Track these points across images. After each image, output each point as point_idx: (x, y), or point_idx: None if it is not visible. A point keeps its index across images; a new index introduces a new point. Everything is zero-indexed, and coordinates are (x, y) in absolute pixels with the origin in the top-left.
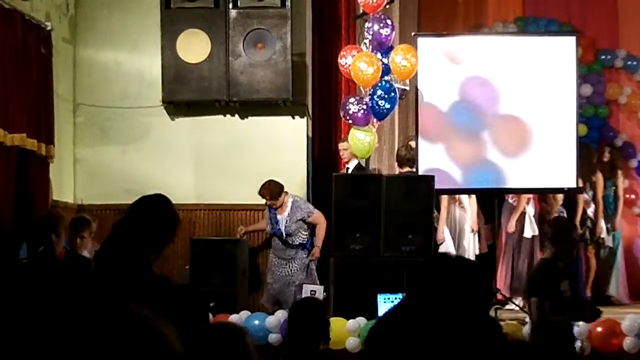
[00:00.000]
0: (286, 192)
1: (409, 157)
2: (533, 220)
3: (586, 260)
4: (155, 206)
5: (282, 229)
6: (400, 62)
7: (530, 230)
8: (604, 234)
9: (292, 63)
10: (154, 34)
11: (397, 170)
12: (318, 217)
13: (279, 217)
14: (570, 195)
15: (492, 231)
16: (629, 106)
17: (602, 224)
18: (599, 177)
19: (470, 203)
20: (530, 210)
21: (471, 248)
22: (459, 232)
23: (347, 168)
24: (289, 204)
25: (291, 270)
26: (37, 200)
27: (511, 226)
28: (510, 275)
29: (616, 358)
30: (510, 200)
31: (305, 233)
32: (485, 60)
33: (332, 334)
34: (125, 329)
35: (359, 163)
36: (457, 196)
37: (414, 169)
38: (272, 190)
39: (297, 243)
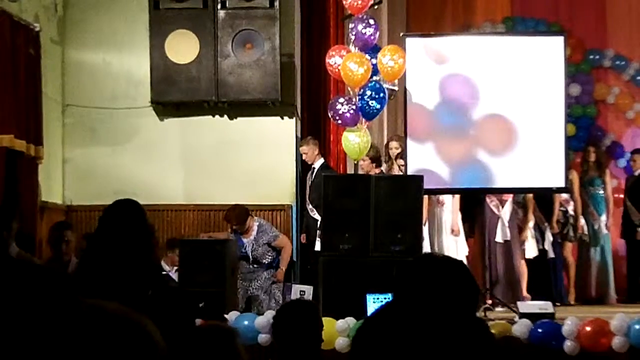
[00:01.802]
0: (251, 217)
1: (373, 156)
2: (507, 224)
3: (564, 258)
4: (128, 214)
5: (249, 253)
6: (387, 62)
7: (502, 234)
8: (586, 231)
9: (280, 64)
10: (142, 35)
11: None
12: (283, 241)
13: (244, 240)
14: (547, 195)
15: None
16: (617, 106)
17: (582, 221)
18: (574, 175)
19: (453, 203)
20: (506, 214)
21: (453, 249)
22: (442, 234)
23: (313, 168)
24: (255, 228)
25: (253, 288)
26: (25, 201)
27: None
28: (489, 279)
29: (605, 357)
30: (491, 205)
31: (271, 254)
32: (474, 60)
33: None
34: (105, 325)
35: (324, 162)
36: (440, 197)
37: (382, 168)
38: (239, 215)
39: (265, 263)
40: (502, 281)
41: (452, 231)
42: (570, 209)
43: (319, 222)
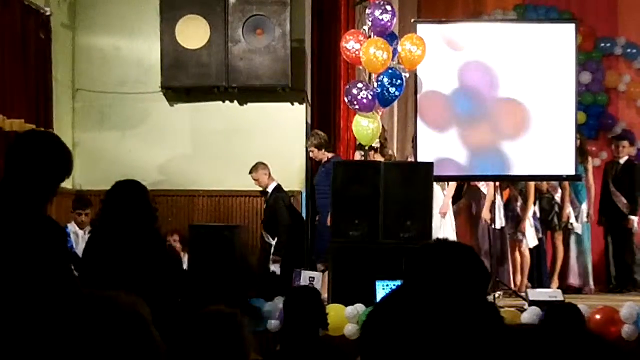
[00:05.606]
0: None
1: (317, 144)
2: (502, 211)
3: (553, 247)
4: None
5: None
6: (416, 51)
7: (499, 221)
8: (572, 220)
9: (291, 49)
10: (153, 20)
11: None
12: None
13: None
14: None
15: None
16: (628, 94)
17: (569, 210)
18: None
19: (448, 188)
20: (499, 200)
21: (445, 233)
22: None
23: (267, 193)
24: None
25: None
26: None
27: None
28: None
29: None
30: (482, 189)
31: None
32: (485, 47)
33: (330, 321)
34: (111, 320)
35: (277, 185)
36: None
37: (332, 154)
38: None
39: None
40: (500, 269)
41: (441, 213)
42: (558, 196)
43: (272, 248)
